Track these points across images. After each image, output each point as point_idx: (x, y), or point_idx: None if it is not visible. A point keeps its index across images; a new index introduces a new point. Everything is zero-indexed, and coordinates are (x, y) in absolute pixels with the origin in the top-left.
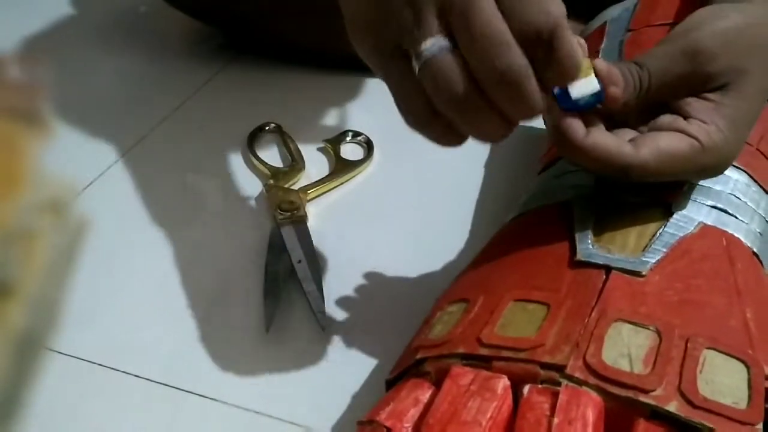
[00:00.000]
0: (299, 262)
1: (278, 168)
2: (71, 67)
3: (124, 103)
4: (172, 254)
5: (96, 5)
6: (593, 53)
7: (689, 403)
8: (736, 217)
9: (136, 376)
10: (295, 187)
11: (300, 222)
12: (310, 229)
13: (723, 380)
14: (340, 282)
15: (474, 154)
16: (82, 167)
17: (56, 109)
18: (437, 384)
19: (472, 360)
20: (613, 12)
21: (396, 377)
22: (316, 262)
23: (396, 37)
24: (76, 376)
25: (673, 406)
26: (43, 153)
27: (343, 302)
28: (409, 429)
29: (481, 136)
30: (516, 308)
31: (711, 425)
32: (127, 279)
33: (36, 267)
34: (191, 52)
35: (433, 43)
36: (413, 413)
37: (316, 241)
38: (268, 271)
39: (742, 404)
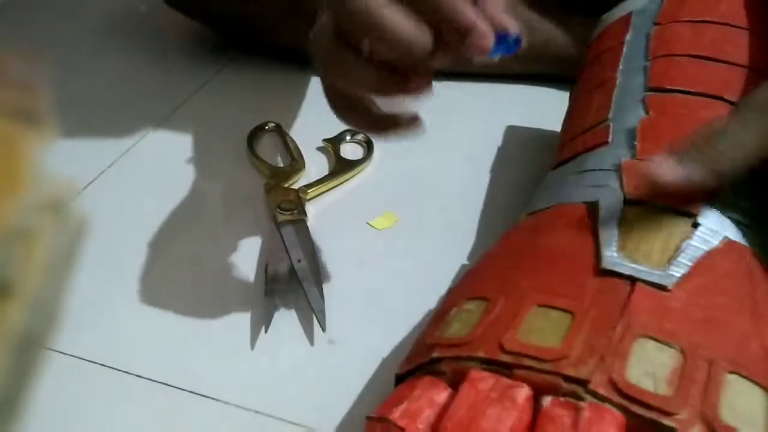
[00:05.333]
0: (299, 261)
1: (278, 167)
2: (71, 67)
3: (124, 103)
4: (172, 254)
5: (96, 5)
6: (618, 43)
7: (711, 429)
8: (757, 231)
9: (136, 376)
10: (295, 186)
11: (300, 221)
12: (310, 228)
13: (744, 407)
14: (340, 282)
15: (474, 153)
16: (82, 167)
17: (56, 109)
18: (453, 385)
19: (493, 365)
20: (637, 2)
21: (407, 373)
22: (316, 262)
23: None
24: (76, 376)
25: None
26: (43, 153)
27: (343, 302)
28: (425, 429)
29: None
30: (539, 314)
31: None
32: (127, 279)
33: (36, 267)
34: (191, 52)
35: None
36: (428, 414)
37: (316, 240)
38: (268, 271)
39: None
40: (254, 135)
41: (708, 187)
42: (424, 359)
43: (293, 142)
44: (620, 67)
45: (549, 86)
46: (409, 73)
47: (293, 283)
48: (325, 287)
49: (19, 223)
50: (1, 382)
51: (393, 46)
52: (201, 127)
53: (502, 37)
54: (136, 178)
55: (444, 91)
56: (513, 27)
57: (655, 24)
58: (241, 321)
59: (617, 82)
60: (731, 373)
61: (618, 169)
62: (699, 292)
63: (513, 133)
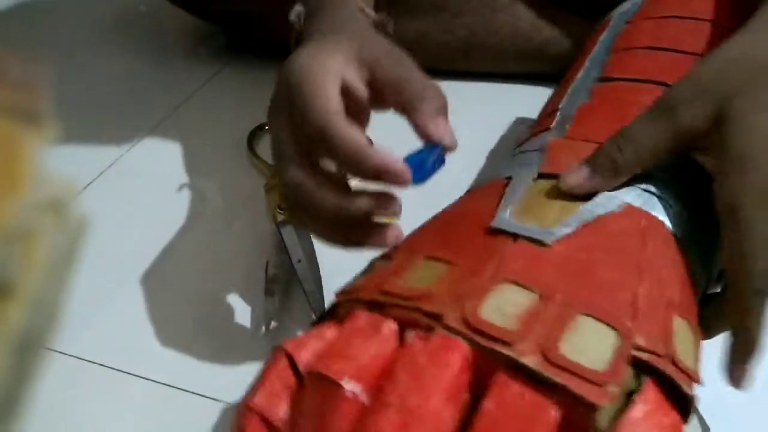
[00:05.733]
0: (299, 262)
1: None
2: (71, 67)
3: (124, 103)
4: (172, 254)
5: (96, 5)
6: (592, 44)
7: (546, 359)
8: (667, 201)
9: (136, 376)
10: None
11: None
12: None
13: (588, 344)
14: (340, 282)
15: (475, 152)
16: (82, 167)
17: (56, 109)
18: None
19: (372, 306)
20: (624, 6)
21: (317, 321)
22: (316, 262)
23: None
24: (76, 376)
25: (528, 360)
26: (43, 153)
27: None
28: (308, 358)
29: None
30: (425, 265)
31: (560, 380)
32: (127, 279)
33: (36, 267)
34: (191, 52)
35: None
36: (314, 345)
37: (316, 241)
38: (268, 271)
39: (599, 367)
40: (254, 135)
41: (614, 185)
42: (330, 307)
43: None
44: (586, 64)
45: (549, 86)
46: (358, 227)
47: (293, 283)
48: (325, 287)
49: (19, 223)
50: (1, 382)
51: (326, 215)
52: (201, 127)
53: (421, 163)
54: (136, 178)
55: (444, 90)
56: (446, 137)
57: (627, 23)
58: (241, 321)
59: (578, 76)
60: (584, 314)
61: (543, 149)
62: (579, 249)
63: (517, 130)
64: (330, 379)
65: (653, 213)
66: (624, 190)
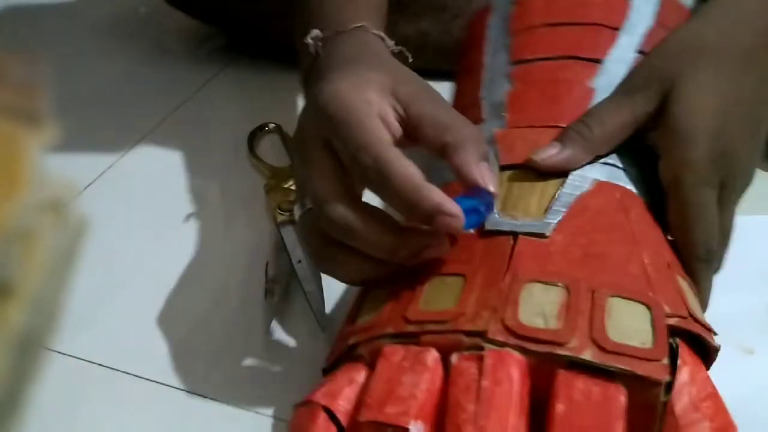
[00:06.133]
0: (299, 262)
1: (278, 167)
2: (71, 67)
3: (124, 103)
4: (172, 254)
5: (96, 5)
6: (481, 28)
7: (601, 349)
8: (626, 170)
9: (136, 376)
10: (295, 187)
11: None
12: None
13: (629, 324)
14: (340, 282)
15: None
16: (82, 167)
17: (56, 109)
18: (372, 365)
19: (402, 338)
20: None
21: (332, 366)
22: None
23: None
24: (76, 376)
25: (588, 354)
26: (43, 153)
27: (343, 302)
28: (346, 407)
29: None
30: (436, 283)
31: (623, 366)
32: (127, 279)
33: (36, 267)
34: (191, 53)
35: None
36: (348, 392)
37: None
38: (268, 271)
39: (648, 343)
40: (254, 135)
41: (583, 162)
42: (343, 348)
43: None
44: (486, 49)
45: None
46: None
47: (293, 283)
48: (325, 287)
49: (19, 223)
50: (1, 382)
51: (373, 250)
52: (201, 127)
53: (473, 209)
54: (135, 178)
55: (443, 91)
56: (491, 182)
57: (513, 4)
58: (241, 321)
59: (484, 63)
60: (613, 296)
61: (492, 141)
62: (576, 233)
63: None
64: (393, 426)
65: (620, 183)
66: (588, 167)
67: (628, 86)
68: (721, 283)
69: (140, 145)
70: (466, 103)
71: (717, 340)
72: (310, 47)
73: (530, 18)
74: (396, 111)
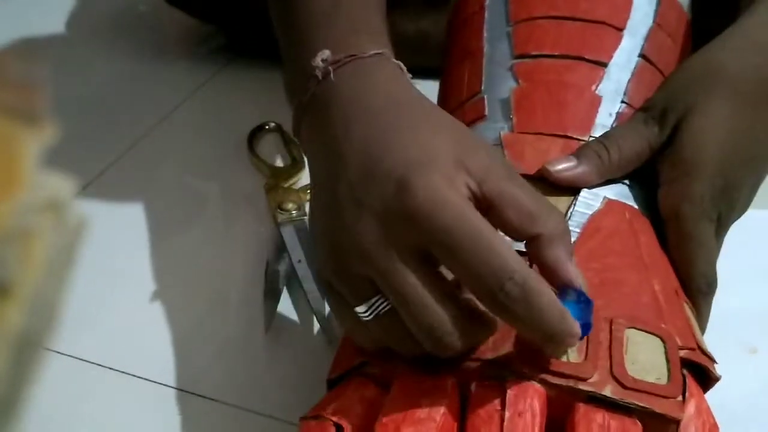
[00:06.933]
0: (299, 262)
1: (278, 167)
2: (71, 67)
3: (124, 103)
4: (172, 254)
5: (96, 5)
6: (479, 8)
7: (621, 385)
8: (631, 187)
9: (136, 376)
10: (296, 186)
11: (300, 221)
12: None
13: (645, 358)
14: None
15: None
16: (82, 167)
17: (56, 109)
18: (383, 385)
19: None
20: None
21: (339, 377)
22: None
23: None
24: (76, 376)
25: (608, 391)
26: (43, 153)
27: None
28: (357, 425)
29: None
30: None
31: (642, 404)
32: (127, 279)
33: (35, 267)
34: (191, 52)
35: (365, 308)
36: (359, 411)
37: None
38: (268, 271)
39: (664, 379)
40: (254, 135)
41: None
42: (353, 363)
43: (293, 141)
44: (485, 34)
45: None
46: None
47: (293, 283)
48: None
49: (18, 223)
50: (1, 382)
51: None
52: (201, 126)
53: (580, 314)
54: (135, 178)
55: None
56: (582, 280)
57: None
58: (241, 321)
59: (484, 51)
60: (629, 328)
61: (499, 144)
62: (589, 258)
63: None
64: None
65: (629, 203)
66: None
67: (646, 116)
68: (725, 281)
69: (140, 144)
70: (465, 93)
71: (721, 338)
72: (316, 71)
73: (532, 7)
74: (469, 188)
